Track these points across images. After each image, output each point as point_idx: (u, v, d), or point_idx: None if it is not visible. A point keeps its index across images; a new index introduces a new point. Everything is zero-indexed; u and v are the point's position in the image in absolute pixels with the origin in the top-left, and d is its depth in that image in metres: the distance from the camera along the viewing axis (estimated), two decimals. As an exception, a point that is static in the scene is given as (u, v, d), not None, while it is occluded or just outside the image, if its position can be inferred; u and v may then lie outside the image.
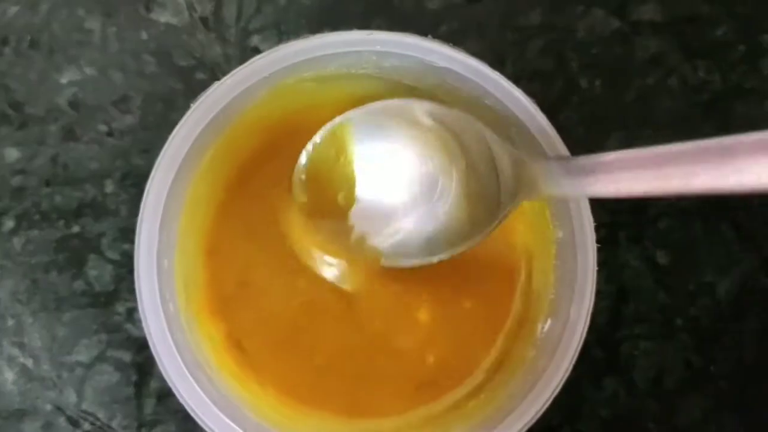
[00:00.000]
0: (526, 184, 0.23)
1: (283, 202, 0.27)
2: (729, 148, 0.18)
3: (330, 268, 0.27)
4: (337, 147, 0.26)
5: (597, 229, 0.24)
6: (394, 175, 0.26)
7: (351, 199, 0.26)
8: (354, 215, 0.26)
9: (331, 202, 0.26)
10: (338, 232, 0.26)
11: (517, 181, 0.23)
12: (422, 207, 0.26)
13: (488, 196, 0.24)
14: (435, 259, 0.25)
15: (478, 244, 0.25)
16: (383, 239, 0.26)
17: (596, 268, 0.24)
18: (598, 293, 0.24)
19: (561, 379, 0.23)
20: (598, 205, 0.25)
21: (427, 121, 0.25)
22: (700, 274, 0.30)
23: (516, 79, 0.25)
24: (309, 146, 0.26)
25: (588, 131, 0.31)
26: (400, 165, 0.26)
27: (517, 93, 0.24)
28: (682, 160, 0.18)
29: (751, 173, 0.17)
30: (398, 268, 0.26)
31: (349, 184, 0.26)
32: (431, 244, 0.26)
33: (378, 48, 0.25)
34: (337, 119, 0.26)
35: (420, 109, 0.25)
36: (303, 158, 0.26)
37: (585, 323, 0.24)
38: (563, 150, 0.24)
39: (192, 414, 0.23)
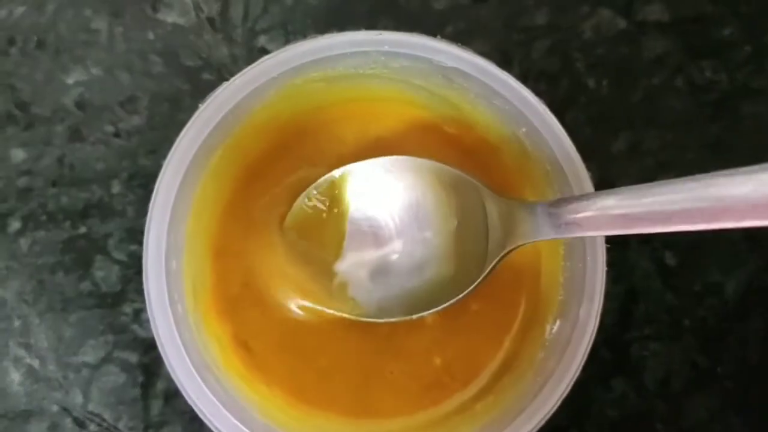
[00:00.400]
0: (513, 234, 0.23)
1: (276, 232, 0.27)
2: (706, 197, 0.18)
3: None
4: (332, 198, 0.26)
5: (606, 230, 0.24)
6: (384, 232, 0.26)
7: (339, 252, 0.26)
8: (339, 266, 0.26)
9: (318, 251, 0.26)
10: (321, 277, 0.26)
11: (505, 232, 0.23)
12: (410, 264, 0.26)
13: (476, 252, 0.24)
14: (415, 317, 0.25)
15: (460, 300, 0.25)
16: (365, 293, 0.26)
17: (606, 269, 0.24)
18: (607, 294, 0.24)
19: (570, 381, 0.23)
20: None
21: (424, 179, 0.25)
22: (707, 275, 0.30)
23: (522, 80, 0.25)
24: (306, 193, 0.26)
25: (595, 131, 0.31)
26: (391, 222, 0.26)
27: (526, 93, 0.24)
28: (663, 204, 0.19)
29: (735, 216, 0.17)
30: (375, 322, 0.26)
31: (339, 237, 0.26)
32: (414, 301, 0.26)
33: (386, 48, 0.24)
34: (336, 171, 0.26)
35: (418, 166, 0.25)
36: (298, 203, 0.26)
37: (594, 324, 0.24)
38: (571, 149, 0.24)
39: (200, 415, 0.23)
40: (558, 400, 0.23)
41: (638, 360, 0.30)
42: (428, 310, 0.25)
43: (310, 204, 0.26)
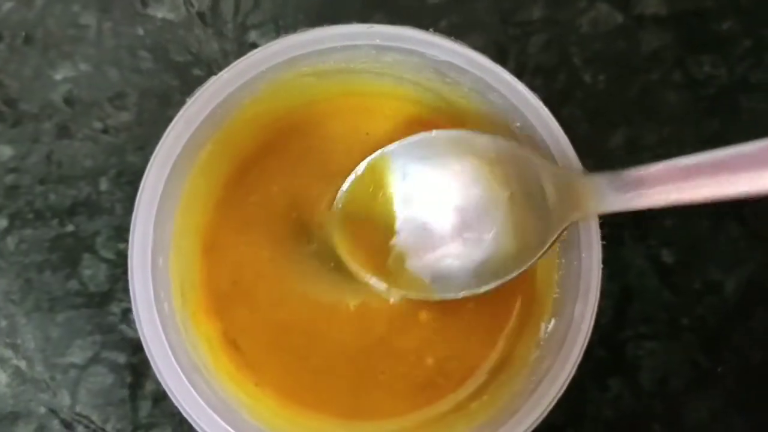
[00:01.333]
0: (574, 206, 0.23)
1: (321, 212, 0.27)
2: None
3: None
4: (376, 182, 0.25)
5: (601, 227, 0.24)
6: (437, 208, 0.25)
7: (391, 232, 0.25)
8: (394, 244, 0.25)
9: (369, 234, 0.25)
10: (377, 255, 0.26)
11: (564, 204, 0.23)
12: (467, 238, 0.25)
13: (537, 223, 0.24)
14: (482, 290, 0.25)
15: (526, 271, 0.24)
16: (425, 268, 0.25)
17: (601, 266, 0.23)
18: (602, 293, 0.24)
19: (565, 380, 0.23)
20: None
21: (470, 152, 0.24)
22: (706, 273, 0.30)
23: (518, 75, 0.24)
24: (347, 181, 0.26)
25: (592, 126, 0.30)
26: (443, 197, 0.25)
27: (521, 87, 0.24)
28: (724, 166, 0.19)
29: None
30: (440, 300, 0.25)
31: (389, 218, 0.25)
32: (478, 274, 0.25)
33: (378, 42, 0.24)
34: (376, 153, 0.25)
35: (462, 139, 0.25)
36: (341, 192, 0.26)
37: (590, 322, 0.23)
38: (566, 145, 0.24)
39: (187, 417, 0.23)
40: (553, 399, 0.23)
41: (634, 359, 0.29)
42: (493, 282, 0.24)
43: (355, 189, 0.25)
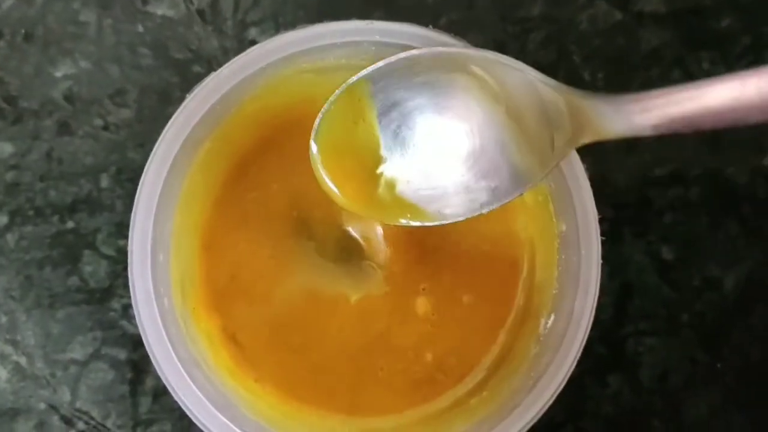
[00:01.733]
0: (578, 127, 0.21)
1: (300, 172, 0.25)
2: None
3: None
4: (355, 110, 0.24)
5: (600, 223, 0.24)
6: (424, 128, 0.24)
7: (377, 159, 0.24)
8: (381, 172, 0.24)
9: (354, 165, 0.24)
10: (364, 187, 0.24)
11: (572, 124, 0.22)
12: (460, 157, 0.24)
13: (538, 141, 0.22)
14: (484, 211, 0.23)
15: (526, 191, 0.23)
16: (417, 193, 0.24)
17: (600, 262, 0.23)
18: (602, 289, 0.24)
19: (565, 375, 0.23)
20: (602, 200, 0.24)
21: (456, 69, 0.23)
22: (706, 269, 0.30)
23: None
24: (325, 109, 0.24)
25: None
26: (430, 116, 0.23)
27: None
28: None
29: None
30: (439, 224, 0.24)
31: (373, 145, 0.24)
32: (475, 195, 0.24)
33: (377, 38, 0.24)
34: (353, 78, 0.23)
35: (447, 56, 0.23)
36: (317, 122, 0.24)
37: (590, 318, 0.23)
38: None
39: (188, 412, 0.23)
40: (553, 395, 0.23)
41: (634, 356, 0.29)
42: (486, 208, 0.23)
43: (332, 118, 0.24)
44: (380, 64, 0.23)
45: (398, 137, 0.24)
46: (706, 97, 0.19)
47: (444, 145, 0.24)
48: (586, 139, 0.22)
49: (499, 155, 0.23)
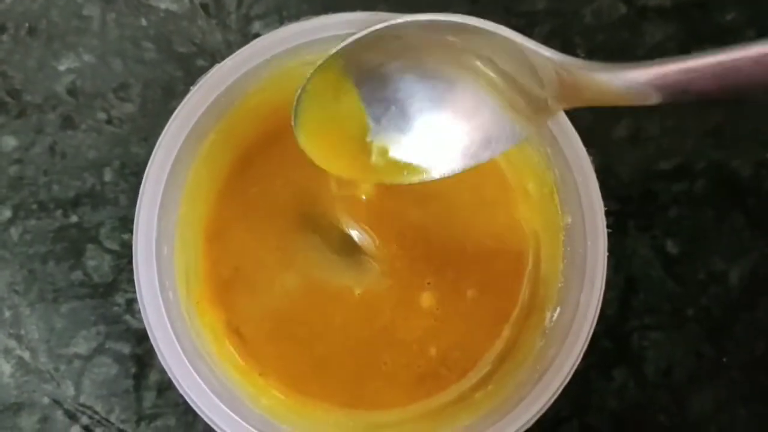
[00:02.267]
0: (571, 88, 0.21)
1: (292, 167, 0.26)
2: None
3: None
4: (334, 84, 0.23)
5: (606, 218, 0.24)
6: (402, 91, 0.24)
7: (364, 128, 0.24)
8: (371, 140, 0.24)
9: (343, 139, 0.24)
10: (358, 156, 0.24)
11: (561, 85, 0.21)
12: (450, 111, 0.24)
13: (528, 95, 0.22)
14: (482, 160, 0.23)
15: (519, 140, 0.23)
16: (412, 152, 0.24)
17: (607, 254, 0.23)
18: (607, 283, 0.24)
19: (571, 369, 0.23)
20: (607, 193, 0.24)
21: (432, 37, 0.23)
22: (711, 263, 0.30)
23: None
24: (303, 87, 0.23)
25: (596, 117, 0.30)
26: (407, 81, 0.23)
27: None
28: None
29: None
30: (431, 180, 0.24)
31: (358, 115, 0.24)
32: (469, 147, 0.24)
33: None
34: (325, 58, 0.23)
35: (423, 26, 0.23)
36: (293, 113, 0.24)
37: (596, 310, 0.23)
38: (572, 132, 0.24)
39: (192, 404, 0.22)
40: (559, 388, 0.23)
41: (639, 350, 0.29)
42: (483, 157, 0.23)
43: (312, 99, 0.24)
44: (350, 39, 0.23)
45: (382, 104, 0.24)
46: (699, 62, 0.19)
47: (428, 104, 0.24)
48: (577, 102, 0.22)
49: (486, 110, 0.23)
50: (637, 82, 0.20)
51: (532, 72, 0.22)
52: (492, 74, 0.23)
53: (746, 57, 0.19)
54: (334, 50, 0.23)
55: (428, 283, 0.27)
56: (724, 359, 0.29)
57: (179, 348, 0.23)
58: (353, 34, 0.23)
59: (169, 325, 0.23)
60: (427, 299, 0.26)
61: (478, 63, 0.23)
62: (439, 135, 0.24)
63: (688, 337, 0.29)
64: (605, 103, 0.21)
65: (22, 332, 0.29)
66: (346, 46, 0.23)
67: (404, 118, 0.24)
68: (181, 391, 0.23)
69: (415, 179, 0.24)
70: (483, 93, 0.23)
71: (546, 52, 0.22)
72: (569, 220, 0.24)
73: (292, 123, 0.24)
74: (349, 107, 0.24)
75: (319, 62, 0.23)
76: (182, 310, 0.24)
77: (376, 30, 0.23)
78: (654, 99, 0.20)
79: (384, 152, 0.24)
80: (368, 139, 0.24)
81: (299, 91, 0.23)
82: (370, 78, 0.24)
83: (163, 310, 0.23)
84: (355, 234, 0.27)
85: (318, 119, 0.24)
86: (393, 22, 0.23)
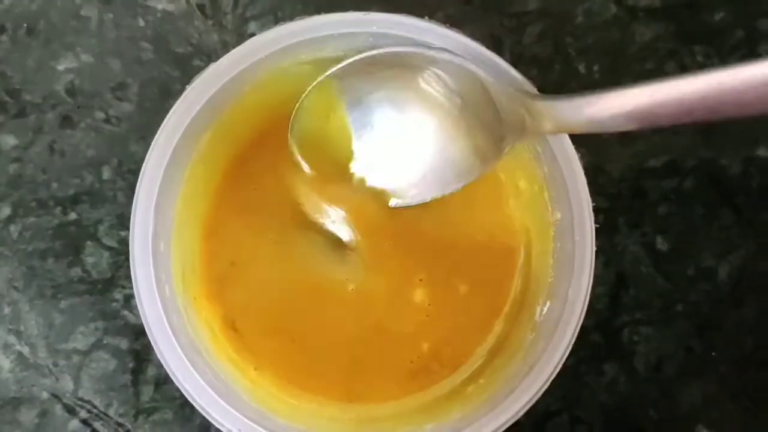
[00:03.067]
0: (525, 120, 0.23)
1: (285, 167, 0.27)
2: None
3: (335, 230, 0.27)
4: (326, 105, 0.25)
5: (596, 214, 0.24)
6: (391, 121, 0.26)
7: (348, 153, 0.26)
8: (354, 165, 0.26)
9: (327, 160, 0.26)
10: (340, 180, 0.26)
11: (517, 117, 0.23)
12: (424, 144, 0.25)
13: (491, 131, 0.24)
14: (448, 192, 0.25)
15: (483, 174, 0.25)
16: (387, 179, 0.26)
17: (594, 248, 0.24)
18: (598, 279, 0.24)
19: (560, 360, 0.23)
20: (597, 190, 0.24)
21: (416, 66, 0.24)
22: (700, 260, 0.30)
23: (514, 65, 0.25)
24: (299, 105, 0.25)
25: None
26: (395, 109, 0.25)
27: (515, 74, 0.24)
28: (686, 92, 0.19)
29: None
30: (407, 206, 0.26)
31: (345, 138, 0.26)
32: (440, 177, 0.26)
33: (374, 29, 0.24)
34: (320, 77, 0.25)
35: (407, 55, 0.24)
36: (292, 120, 0.25)
37: (584, 303, 0.23)
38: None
39: (189, 398, 0.23)
40: (548, 380, 0.23)
41: (629, 345, 0.29)
42: (448, 190, 0.25)
43: (306, 114, 0.25)
44: (344, 63, 0.25)
45: (367, 129, 0.26)
46: (654, 95, 0.20)
47: (406, 136, 0.26)
48: (539, 133, 0.23)
49: (459, 143, 0.25)
50: (600, 115, 0.21)
51: (494, 108, 0.23)
52: (458, 112, 0.25)
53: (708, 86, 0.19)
54: (329, 71, 0.25)
55: (420, 279, 0.27)
56: (714, 354, 0.30)
57: (176, 343, 0.23)
58: (352, 35, 0.24)
59: (165, 320, 0.23)
60: (419, 295, 0.27)
61: (446, 99, 0.25)
62: (412, 166, 0.26)
63: (678, 333, 0.30)
64: (570, 132, 0.23)
65: (22, 328, 0.29)
66: (340, 67, 0.24)
67: (385, 148, 0.26)
68: (178, 385, 0.23)
69: (391, 203, 0.26)
70: (452, 130, 0.25)
71: (509, 88, 0.23)
72: (558, 216, 0.25)
73: (289, 134, 0.25)
74: (339, 126, 0.26)
75: (315, 82, 0.25)
76: (179, 305, 0.25)
77: (366, 56, 0.24)
78: (624, 127, 0.21)
79: (362, 180, 0.26)
80: (351, 163, 0.26)
81: (297, 104, 0.25)
82: (358, 102, 0.25)
83: (160, 305, 0.23)
84: (344, 234, 0.27)
85: (311, 132, 0.26)
86: (372, 52, 0.24)
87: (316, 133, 0.26)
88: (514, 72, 0.24)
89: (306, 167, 0.26)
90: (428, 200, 0.26)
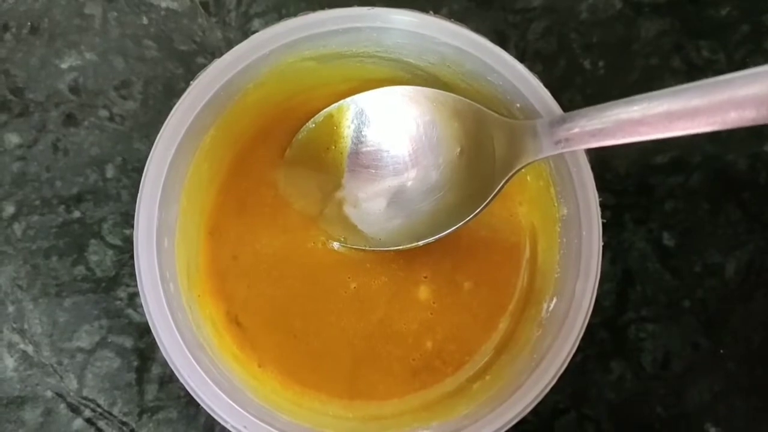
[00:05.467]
0: (518, 153, 0.23)
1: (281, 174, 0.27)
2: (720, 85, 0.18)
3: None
4: (330, 133, 0.26)
5: (602, 210, 0.24)
6: (382, 162, 0.26)
7: (338, 183, 0.27)
8: (339, 195, 0.27)
9: (318, 182, 0.27)
10: (323, 206, 0.27)
11: (510, 153, 0.23)
12: (411, 192, 0.26)
13: (483, 175, 0.24)
14: (422, 243, 0.25)
15: (470, 221, 0.24)
16: (367, 222, 0.26)
17: (602, 243, 0.23)
18: (604, 276, 0.24)
19: (567, 355, 0.23)
20: (604, 186, 0.24)
21: (421, 106, 0.25)
22: (707, 256, 0.30)
23: (518, 60, 0.24)
24: (305, 128, 0.27)
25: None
26: (389, 152, 0.26)
27: (521, 68, 0.24)
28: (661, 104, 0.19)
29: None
30: (391, 251, 0.26)
31: (339, 168, 0.27)
32: (420, 227, 0.26)
33: (379, 24, 0.24)
34: (335, 104, 0.26)
35: (415, 94, 0.25)
36: (296, 140, 0.26)
37: (591, 298, 0.23)
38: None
39: (193, 394, 0.23)
40: (555, 376, 0.23)
41: (636, 342, 0.29)
42: (434, 236, 0.25)
43: (309, 138, 0.26)
44: (363, 93, 0.26)
45: (360, 167, 0.26)
46: (619, 114, 0.20)
47: (397, 181, 0.26)
48: (522, 164, 0.23)
49: (449, 190, 0.25)
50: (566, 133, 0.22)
51: (492, 143, 0.24)
52: (459, 154, 0.25)
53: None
54: (346, 99, 0.26)
55: (425, 277, 0.27)
56: (721, 351, 0.29)
57: (180, 339, 0.23)
58: (357, 29, 0.25)
59: (170, 316, 0.23)
60: (423, 292, 0.27)
61: (456, 142, 0.25)
62: (400, 210, 0.26)
63: (685, 329, 0.29)
64: (549, 154, 0.23)
65: (26, 326, 0.29)
66: (355, 97, 0.26)
67: (375, 190, 0.27)
68: (182, 382, 0.23)
69: (353, 244, 0.27)
70: (451, 174, 0.25)
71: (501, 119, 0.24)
72: (565, 211, 0.25)
73: (285, 156, 0.27)
74: (334, 160, 0.27)
75: (334, 105, 0.26)
76: (183, 302, 0.24)
77: (381, 91, 0.26)
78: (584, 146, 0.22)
79: (340, 209, 0.27)
80: (335, 193, 0.27)
81: (303, 131, 0.27)
82: (363, 133, 0.26)
83: (164, 301, 0.23)
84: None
85: (306, 160, 0.27)
86: (392, 88, 0.26)
87: (310, 161, 0.27)
88: (519, 66, 0.24)
89: (288, 191, 0.27)
90: (404, 249, 0.26)
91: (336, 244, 0.27)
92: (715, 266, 0.30)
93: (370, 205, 0.26)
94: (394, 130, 0.26)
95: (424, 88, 0.25)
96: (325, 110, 0.27)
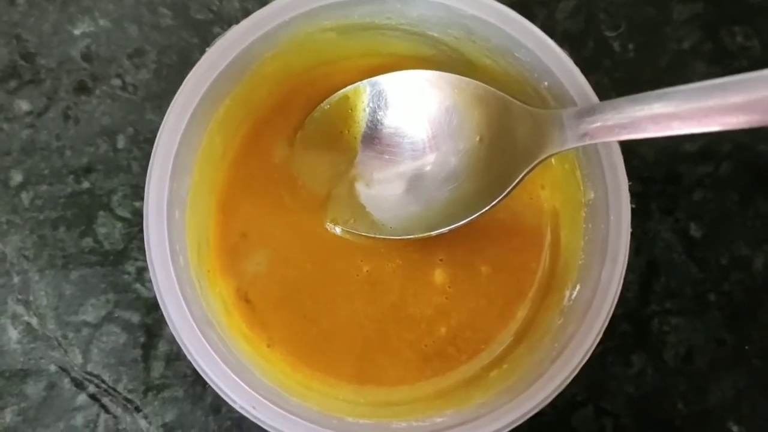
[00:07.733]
0: (541, 144, 0.22)
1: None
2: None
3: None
4: (345, 114, 0.25)
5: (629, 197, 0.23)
6: (396, 148, 0.25)
7: (350, 165, 0.26)
8: (359, 193, 0.26)
9: (330, 164, 0.26)
10: (338, 191, 0.26)
11: (533, 143, 0.22)
12: (426, 179, 0.25)
13: (503, 165, 0.23)
14: (434, 233, 0.24)
15: (487, 212, 0.23)
16: (381, 210, 0.26)
17: (630, 229, 0.22)
18: (628, 266, 0.23)
19: (592, 344, 0.22)
20: (631, 173, 0.23)
21: (441, 92, 0.24)
22: (735, 248, 0.29)
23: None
24: (320, 108, 0.26)
25: (620, 95, 0.29)
26: (403, 138, 0.25)
27: (551, 43, 0.23)
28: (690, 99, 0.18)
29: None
30: (403, 240, 0.25)
31: (352, 151, 0.26)
32: (435, 216, 0.25)
33: (404, -7, 0.23)
34: (352, 85, 0.25)
35: (441, 79, 0.24)
36: (310, 119, 0.26)
37: (618, 287, 0.22)
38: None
39: (200, 371, 0.22)
40: (578, 365, 0.22)
41: (659, 335, 0.28)
42: (449, 225, 0.24)
43: (322, 118, 0.25)
44: (377, 78, 0.25)
45: (375, 150, 0.26)
46: (653, 108, 0.19)
47: (411, 167, 0.25)
48: (546, 155, 0.22)
49: (467, 178, 0.24)
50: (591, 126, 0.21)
51: (513, 133, 0.23)
52: (479, 142, 0.24)
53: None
54: (364, 80, 0.25)
55: (440, 260, 0.26)
56: (746, 347, 0.28)
57: (189, 315, 0.22)
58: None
59: (179, 291, 0.22)
60: (438, 276, 0.26)
61: (475, 130, 0.24)
62: (412, 201, 0.25)
63: (710, 324, 0.28)
64: (573, 146, 0.22)
65: (31, 298, 0.28)
66: (374, 79, 0.25)
67: (387, 176, 0.26)
68: (189, 359, 0.22)
69: (362, 232, 0.26)
70: (469, 160, 0.24)
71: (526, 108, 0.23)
72: (591, 195, 0.24)
73: (298, 136, 0.26)
74: (348, 143, 0.26)
75: (351, 87, 0.25)
76: (192, 277, 0.24)
77: (400, 74, 0.25)
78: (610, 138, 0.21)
79: (352, 185, 0.26)
80: (349, 173, 0.26)
81: (316, 111, 0.26)
82: (376, 126, 0.25)
83: (174, 275, 0.22)
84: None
85: (319, 141, 0.26)
86: (414, 72, 0.25)
87: (323, 142, 0.26)
88: (550, 42, 0.23)
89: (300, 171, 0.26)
90: (421, 238, 0.25)
91: (338, 229, 0.26)
92: (742, 259, 0.29)
93: (385, 190, 0.26)
94: (414, 114, 0.25)
95: (446, 73, 0.24)
96: (340, 91, 0.26)
